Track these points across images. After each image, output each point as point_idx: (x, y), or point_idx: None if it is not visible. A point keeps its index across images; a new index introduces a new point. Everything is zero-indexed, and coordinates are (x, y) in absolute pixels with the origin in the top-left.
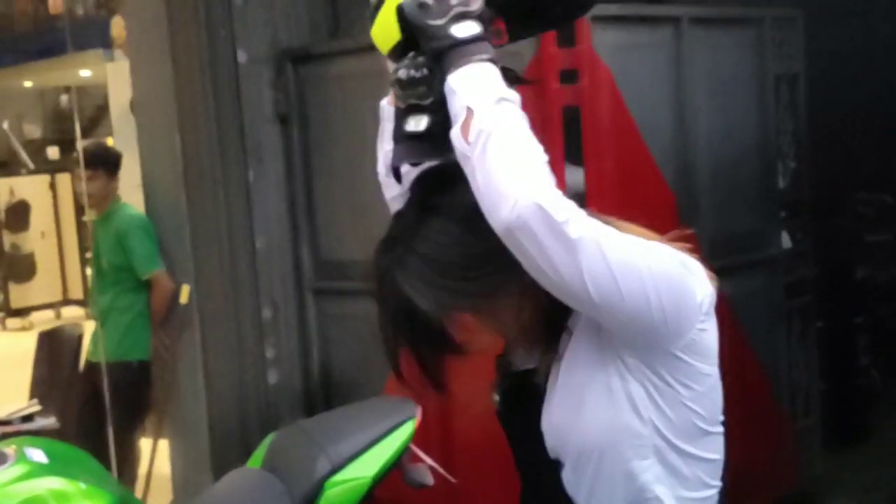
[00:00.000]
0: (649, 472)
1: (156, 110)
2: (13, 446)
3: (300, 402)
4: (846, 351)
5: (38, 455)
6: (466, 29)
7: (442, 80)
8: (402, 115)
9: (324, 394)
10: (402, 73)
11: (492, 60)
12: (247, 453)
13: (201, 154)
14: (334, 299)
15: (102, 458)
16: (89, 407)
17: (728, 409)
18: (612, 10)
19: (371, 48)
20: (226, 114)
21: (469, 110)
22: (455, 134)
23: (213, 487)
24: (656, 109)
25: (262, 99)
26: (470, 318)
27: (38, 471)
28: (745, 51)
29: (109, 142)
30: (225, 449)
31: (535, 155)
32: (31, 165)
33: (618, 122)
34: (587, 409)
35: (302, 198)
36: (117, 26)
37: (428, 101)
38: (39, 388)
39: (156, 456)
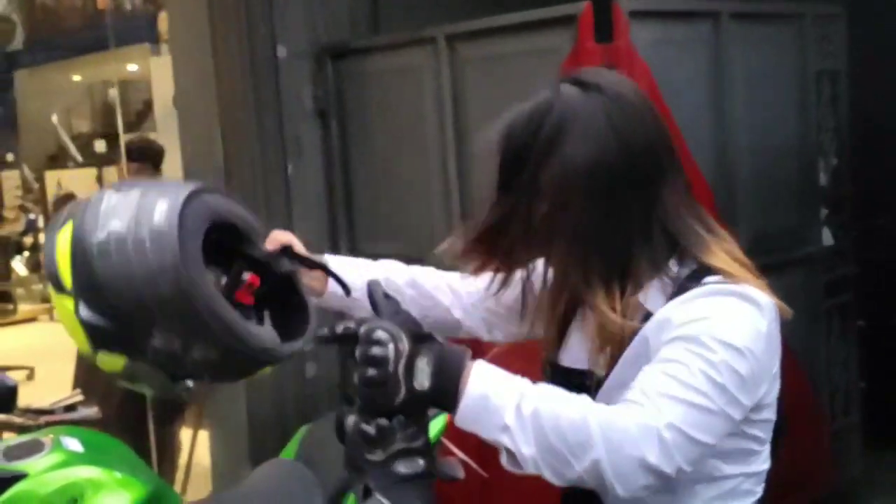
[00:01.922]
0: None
1: (197, 105)
2: (49, 435)
3: (337, 394)
4: (888, 350)
5: (73, 444)
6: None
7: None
8: (383, 463)
9: None
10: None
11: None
12: (284, 445)
13: (241, 148)
14: None
15: (143, 448)
16: (130, 397)
17: None
18: (651, 4)
19: (410, 43)
20: (265, 109)
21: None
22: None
23: (246, 479)
24: (695, 106)
25: (302, 94)
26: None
27: (73, 459)
28: (785, 47)
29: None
30: (263, 440)
31: (583, 423)
32: (80, 159)
33: None
34: None
35: (341, 192)
36: (165, 21)
37: (419, 443)
38: (82, 378)
39: (195, 446)
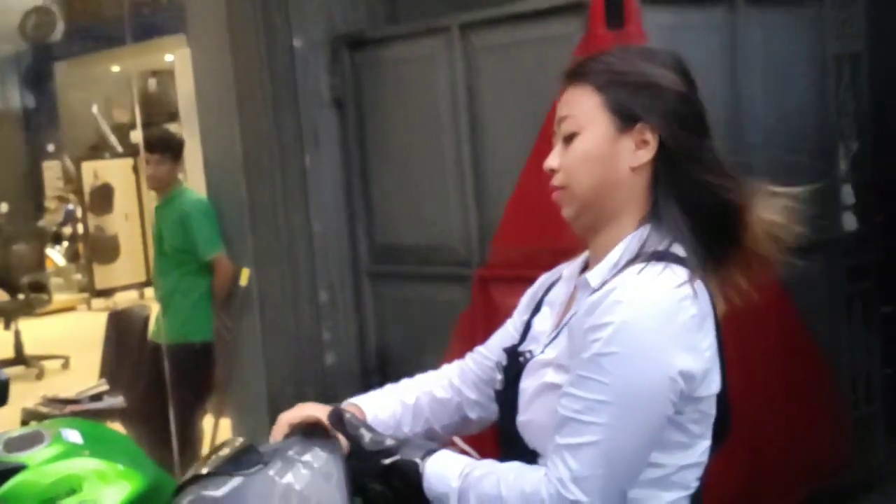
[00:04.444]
0: None
1: (216, 97)
2: (50, 427)
3: (356, 383)
4: None
5: (73, 436)
6: None
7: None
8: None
9: (379, 375)
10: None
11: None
12: None
13: (259, 139)
14: (390, 282)
15: (166, 436)
16: (154, 386)
17: (785, 394)
18: None
19: (426, 33)
20: (282, 99)
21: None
22: None
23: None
24: (709, 92)
25: (319, 84)
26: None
27: (73, 451)
28: (803, 30)
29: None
30: None
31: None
32: (120, 149)
33: None
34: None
35: (358, 182)
36: None
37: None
38: (108, 367)
39: (217, 434)
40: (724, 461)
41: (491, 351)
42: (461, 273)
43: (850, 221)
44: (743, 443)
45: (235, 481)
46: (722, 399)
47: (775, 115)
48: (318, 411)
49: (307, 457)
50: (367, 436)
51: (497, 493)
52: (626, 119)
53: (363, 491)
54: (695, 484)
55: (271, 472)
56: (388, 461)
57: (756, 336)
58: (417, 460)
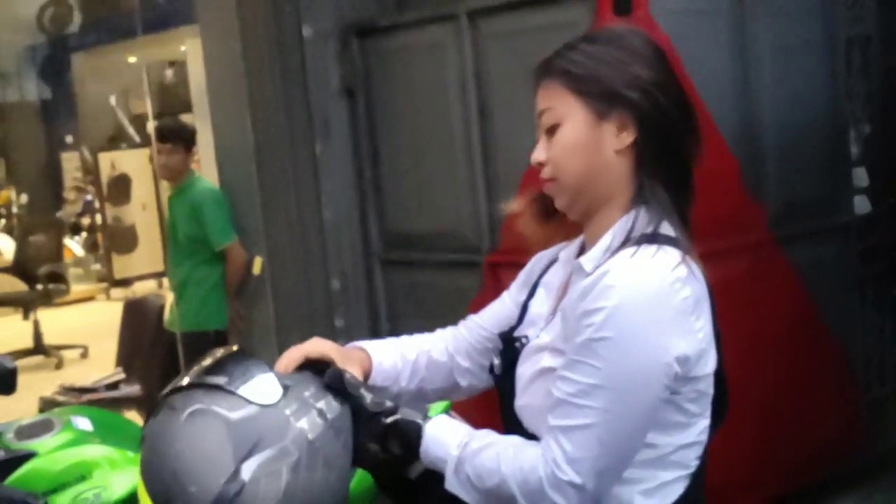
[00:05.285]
0: None
1: (226, 86)
2: (60, 415)
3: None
4: None
5: (83, 423)
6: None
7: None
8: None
9: None
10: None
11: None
12: None
13: (270, 128)
14: (402, 270)
15: None
16: (169, 375)
17: (797, 379)
18: None
19: (435, 20)
20: (293, 88)
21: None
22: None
23: None
24: (718, 76)
25: (329, 73)
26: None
27: (83, 438)
28: (814, 13)
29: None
30: None
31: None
32: (138, 139)
33: None
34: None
35: (369, 170)
36: None
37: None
38: (124, 356)
39: None
40: (736, 444)
41: (485, 321)
42: (472, 259)
43: (862, 204)
44: (755, 426)
45: (251, 409)
46: (719, 377)
47: (785, 100)
48: (328, 347)
49: (322, 404)
50: (367, 396)
51: (496, 468)
52: (602, 106)
53: (357, 452)
54: (694, 463)
55: (287, 412)
56: (389, 420)
57: (768, 319)
58: (419, 421)
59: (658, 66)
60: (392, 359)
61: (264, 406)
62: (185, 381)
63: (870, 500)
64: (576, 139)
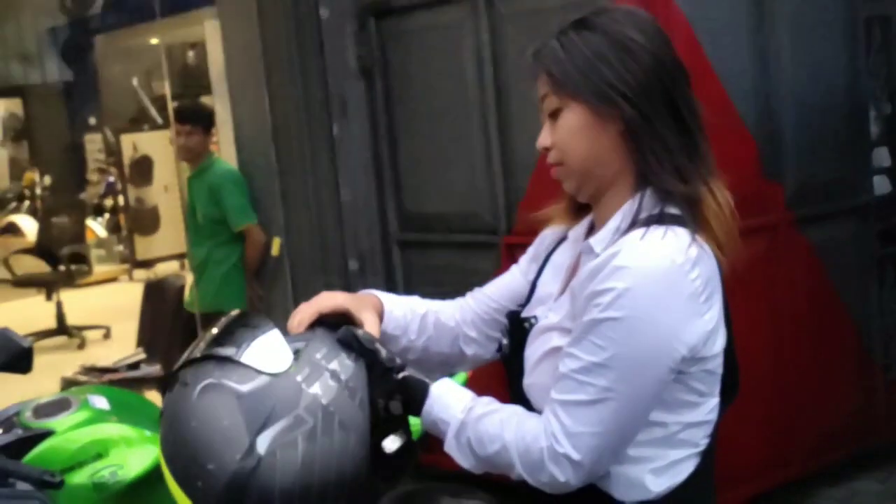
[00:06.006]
0: None
1: (245, 68)
2: (77, 394)
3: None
4: None
5: (100, 402)
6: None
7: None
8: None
9: None
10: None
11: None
12: None
13: (288, 109)
14: (419, 251)
15: None
16: None
17: (815, 359)
18: None
19: (452, 0)
20: (310, 69)
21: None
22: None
23: None
24: (736, 54)
25: (346, 54)
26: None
27: (99, 417)
28: None
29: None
30: None
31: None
32: (160, 121)
33: (694, 68)
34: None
35: (386, 151)
36: None
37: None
38: (145, 336)
39: None
40: (755, 424)
41: (493, 293)
42: (489, 240)
43: (882, 185)
44: (774, 406)
45: (262, 379)
46: (729, 356)
47: (804, 79)
48: (340, 299)
49: (335, 364)
50: (382, 350)
51: (498, 434)
52: (591, 102)
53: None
54: (704, 441)
55: (299, 378)
56: (399, 376)
57: (786, 300)
58: (426, 380)
59: (645, 54)
60: (402, 309)
61: (274, 375)
62: (196, 353)
63: (889, 481)
64: (578, 124)
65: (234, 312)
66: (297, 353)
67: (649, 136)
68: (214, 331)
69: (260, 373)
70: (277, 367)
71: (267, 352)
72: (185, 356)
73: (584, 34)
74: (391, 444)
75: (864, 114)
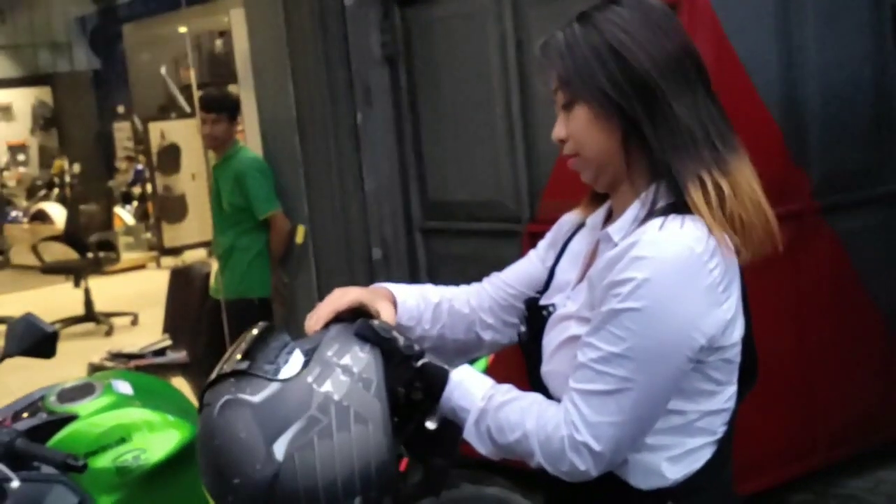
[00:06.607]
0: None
1: (270, 57)
2: (101, 379)
3: None
4: None
5: (124, 387)
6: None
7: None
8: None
9: None
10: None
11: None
12: None
13: (312, 98)
14: (443, 239)
15: None
16: (214, 342)
17: (839, 348)
18: None
19: None
20: (334, 58)
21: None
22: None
23: None
24: (761, 42)
25: (370, 42)
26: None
27: (122, 402)
28: None
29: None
30: None
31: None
32: (189, 109)
33: (719, 56)
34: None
35: (410, 139)
36: None
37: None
38: (171, 323)
39: None
40: (777, 413)
41: (510, 278)
42: (512, 229)
43: None
44: (798, 395)
45: (273, 387)
46: (747, 345)
47: (830, 67)
48: (354, 294)
49: (346, 359)
50: (400, 338)
51: (520, 422)
52: (594, 101)
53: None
54: (721, 430)
55: (309, 379)
56: (418, 363)
57: (812, 289)
58: (446, 367)
59: (642, 54)
60: (415, 299)
61: (285, 381)
62: (214, 374)
63: None
64: (587, 119)
65: (250, 330)
66: (308, 354)
67: (654, 133)
68: (236, 349)
69: (271, 381)
70: (288, 372)
71: (279, 360)
72: (210, 378)
73: (585, 30)
74: (431, 423)
75: (890, 103)
